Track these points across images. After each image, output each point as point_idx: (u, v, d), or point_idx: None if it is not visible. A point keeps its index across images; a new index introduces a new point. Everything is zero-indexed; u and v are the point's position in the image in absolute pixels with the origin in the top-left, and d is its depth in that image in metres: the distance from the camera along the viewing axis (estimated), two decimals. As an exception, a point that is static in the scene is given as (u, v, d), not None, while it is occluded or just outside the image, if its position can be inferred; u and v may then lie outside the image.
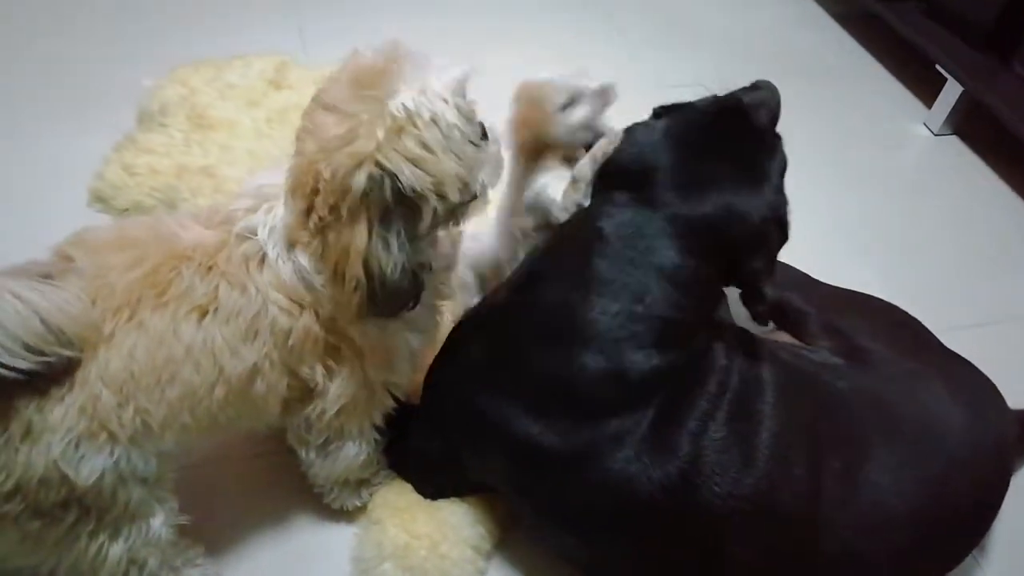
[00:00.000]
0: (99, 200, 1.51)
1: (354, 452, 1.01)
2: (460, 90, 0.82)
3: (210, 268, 0.83)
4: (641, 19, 2.23)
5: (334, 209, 0.80)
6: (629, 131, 0.99)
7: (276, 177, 0.88)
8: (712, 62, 2.06)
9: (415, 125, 0.79)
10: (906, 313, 1.20)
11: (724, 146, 0.95)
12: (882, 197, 1.74)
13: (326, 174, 0.79)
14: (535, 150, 1.10)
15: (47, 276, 0.76)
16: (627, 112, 1.06)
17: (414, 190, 0.80)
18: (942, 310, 1.36)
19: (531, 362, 0.92)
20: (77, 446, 0.76)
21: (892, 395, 0.99)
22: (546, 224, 1.09)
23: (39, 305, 0.71)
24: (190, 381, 0.81)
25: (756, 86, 1.02)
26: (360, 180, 0.78)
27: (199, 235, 0.85)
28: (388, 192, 0.79)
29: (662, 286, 0.89)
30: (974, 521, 1.01)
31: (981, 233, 1.67)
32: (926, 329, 1.18)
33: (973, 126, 1.88)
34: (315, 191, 0.80)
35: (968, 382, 1.08)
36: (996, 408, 1.06)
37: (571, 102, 1.06)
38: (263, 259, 0.85)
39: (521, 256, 1.12)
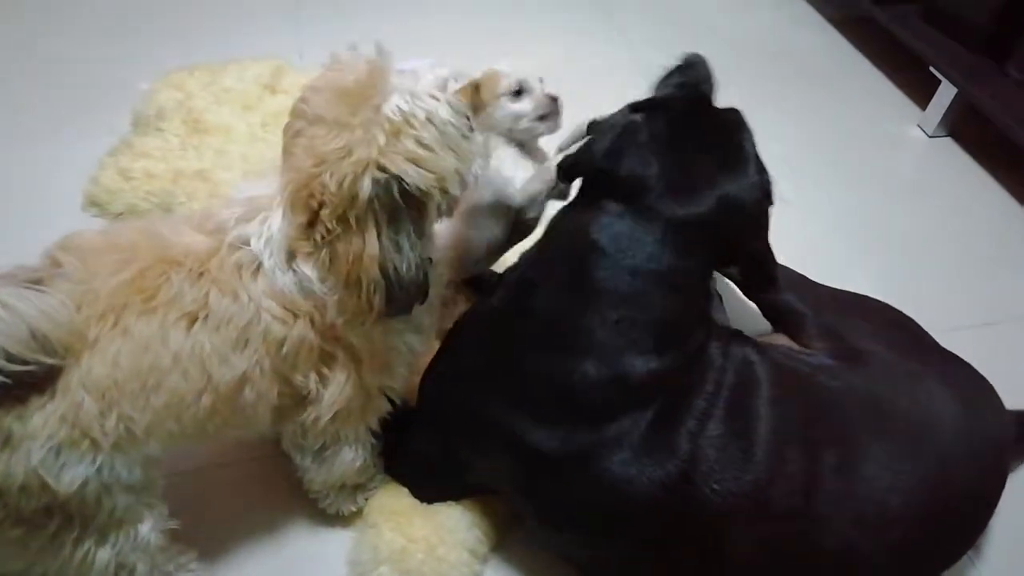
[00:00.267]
0: (94, 204, 1.51)
1: (350, 457, 1.01)
2: (445, 87, 0.84)
3: (201, 274, 0.82)
4: (641, 19, 2.24)
5: (342, 219, 0.80)
6: (593, 126, 0.99)
7: (265, 187, 0.87)
8: (712, 61, 2.06)
9: (412, 126, 0.80)
10: (902, 313, 1.20)
11: (702, 138, 0.96)
12: (878, 198, 1.74)
13: (331, 186, 0.79)
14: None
15: (35, 281, 0.75)
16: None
17: (419, 189, 0.81)
18: (940, 310, 1.36)
19: (531, 369, 0.92)
20: (58, 454, 0.75)
21: (889, 394, 0.99)
22: (503, 208, 1.16)
23: (24, 312, 0.70)
24: (176, 388, 0.80)
25: (691, 63, 1.04)
26: (366, 186, 0.78)
27: (190, 241, 0.84)
28: (396, 194, 0.80)
29: (661, 292, 0.90)
30: (970, 520, 1.01)
31: (976, 234, 1.68)
32: (922, 329, 1.18)
33: (967, 128, 1.88)
34: (321, 204, 0.80)
35: (965, 382, 1.08)
36: (992, 408, 1.06)
37: (519, 93, 1.14)
38: (257, 268, 0.84)
39: (474, 239, 1.18)
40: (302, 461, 1.01)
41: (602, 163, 0.94)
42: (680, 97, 1.01)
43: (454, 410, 1.01)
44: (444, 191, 0.84)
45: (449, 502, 1.08)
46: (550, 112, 1.15)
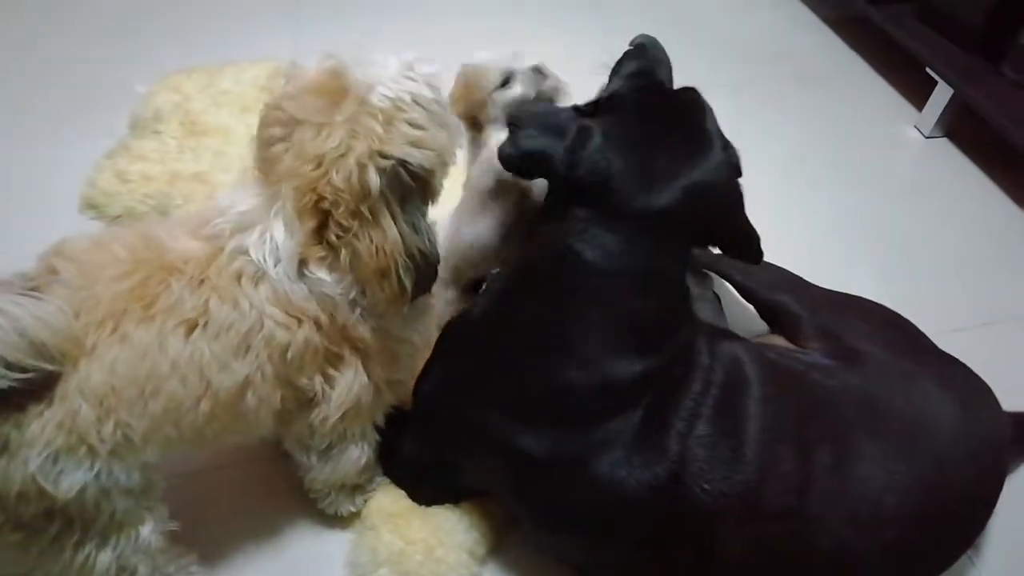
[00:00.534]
0: (91, 207, 1.51)
1: (356, 455, 1.02)
2: (412, 68, 0.85)
3: (201, 282, 0.82)
4: (641, 19, 2.23)
5: (356, 214, 0.81)
6: (515, 119, 0.98)
7: (249, 198, 0.86)
8: (711, 63, 2.07)
9: (402, 109, 0.82)
10: (897, 314, 1.20)
11: (660, 127, 0.94)
12: (877, 199, 1.74)
13: (339, 184, 0.80)
14: (471, 122, 1.18)
15: (33, 289, 0.75)
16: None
17: (423, 167, 0.84)
18: (938, 310, 1.37)
19: (517, 376, 0.92)
20: (55, 461, 0.75)
21: (885, 394, 0.99)
22: (507, 186, 1.14)
23: (22, 320, 0.70)
24: (175, 394, 0.80)
25: (643, 46, 1.03)
26: (375, 177, 0.80)
27: (188, 247, 0.84)
28: (405, 177, 0.82)
29: (637, 294, 0.90)
30: (968, 520, 1.01)
31: (974, 235, 1.68)
32: (918, 330, 1.18)
33: (963, 129, 1.89)
34: (335, 204, 0.81)
35: (962, 383, 1.08)
36: (989, 409, 1.06)
37: (506, 82, 1.13)
38: (260, 276, 0.84)
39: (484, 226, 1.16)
40: (307, 460, 1.01)
41: (563, 171, 0.93)
42: (630, 89, 0.99)
43: (446, 414, 1.01)
44: (445, 164, 0.87)
45: (447, 504, 1.08)
46: (542, 81, 1.15)
